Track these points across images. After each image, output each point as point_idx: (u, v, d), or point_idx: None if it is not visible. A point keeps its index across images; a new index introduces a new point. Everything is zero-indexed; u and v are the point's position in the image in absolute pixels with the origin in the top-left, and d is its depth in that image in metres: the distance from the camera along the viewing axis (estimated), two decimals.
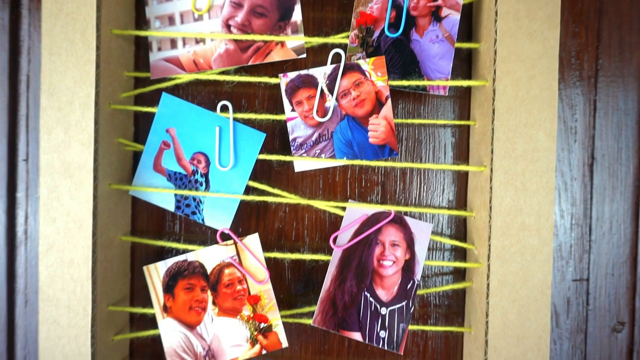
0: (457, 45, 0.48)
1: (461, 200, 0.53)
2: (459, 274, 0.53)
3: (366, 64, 0.47)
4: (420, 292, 0.52)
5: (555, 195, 0.52)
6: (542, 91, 0.44)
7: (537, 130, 0.44)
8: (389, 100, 0.47)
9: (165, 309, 0.48)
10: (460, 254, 0.53)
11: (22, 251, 0.54)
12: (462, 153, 0.53)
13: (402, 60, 0.48)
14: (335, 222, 0.53)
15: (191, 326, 0.48)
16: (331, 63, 0.48)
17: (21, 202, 0.54)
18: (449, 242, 0.50)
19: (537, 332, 0.45)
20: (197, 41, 0.50)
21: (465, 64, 0.52)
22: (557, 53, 0.44)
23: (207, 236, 0.54)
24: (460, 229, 0.53)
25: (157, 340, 0.51)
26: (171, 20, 0.50)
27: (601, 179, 0.52)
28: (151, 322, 0.51)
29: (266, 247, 0.53)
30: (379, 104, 0.48)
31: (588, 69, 0.51)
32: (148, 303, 0.49)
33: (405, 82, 0.47)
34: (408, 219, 0.48)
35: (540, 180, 0.44)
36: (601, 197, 0.52)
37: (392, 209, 0.48)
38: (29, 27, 0.53)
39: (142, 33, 0.49)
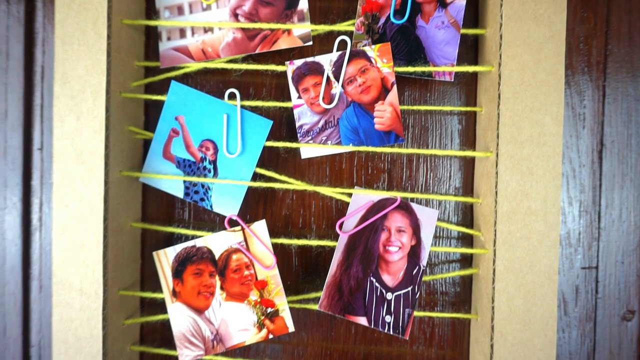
0: (463, 31, 0.48)
1: (468, 188, 0.53)
2: (467, 263, 0.53)
3: (372, 51, 0.48)
4: (427, 278, 0.52)
5: (564, 182, 0.51)
6: (548, 75, 0.44)
7: (543, 115, 0.44)
8: (395, 87, 0.48)
9: (175, 293, 0.49)
10: (468, 242, 0.53)
11: (36, 238, 0.55)
12: (468, 140, 0.53)
13: (408, 46, 0.48)
14: (341, 209, 0.53)
15: (199, 311, 0.49)
16: (337, 50, 0.48)
17: (36, 190, 0.55)
18: (455, 228, 0.50)
19: (544, 318, 0.44)
20: (206, 30, 0.51)
21: (471, 51, 0.52)
22: (564, 36, 0.43)
23: (215, 223, 0.54)
24: (467, 217, 0.53)
25: (166, 326, 0.52)
26: (180, 10, 0.51)
27: (610, 166, 0.51)
28: (161, 307, 0.52)
29: (273, 234, 0.53)
30: (384, 91, 0.48)
31: (597, 54, 0.51)
32: (158, 289, 0.50)
33: (410, 69, 0.48)
34: (414, 205, 0.48)
35: (546, 165, 0.44)
36: (610, 184, 0.51)
37: (398, 195, 0.48)
38: (43, 19, 0.55)
39: (152, 23, 0.50)
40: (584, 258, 0.52)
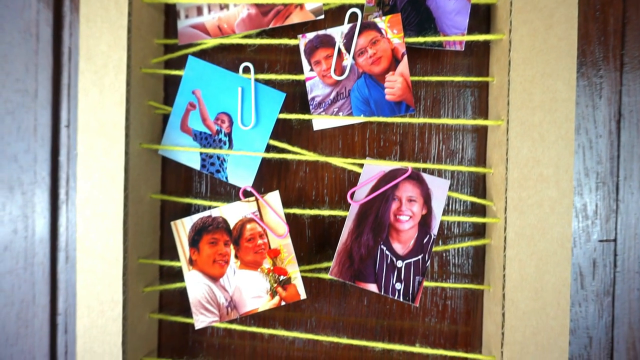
0: (473, 0, 0.48)
1: (481, 160, 0.53)
2: (480, 236, 0.53)
3: (382, 22, 0.48)
4: (438, 248, 0.52)
5: (580, 153, 0.51)
6: (560, 40, 0.43)
7: (555, 80, 0.43)
8: (405, 57, 0.48)
9: (191, 262, 0.50)
10: (481, 215, 0.53)
11: (63, 211, 0.58)
12: (481, 112, 0.52)
13: (418, 17, 0.49)
14: (354, 182, 0.54)
15: (215, 278, 0.50)
16: (348, 23, 0.49)
17: (63, 165, 0.58)
18: (467, 198, 0.50)
19: (557, 286, 0.44)
20: (221, 7, 0.52)
21: (484, 23, 0.52)
22: (576, 0, 0.43)
23: (231, 196, 0.56)
24: (479, 189, 0.53)
25: (184, 296, 0.53)
26: None
27: (629, 136, 0.50)
28: (178, 276, 0.54)
29: (287, 205, 0.54)
30: (395, 61, 0.48)
31: (614, 22, 0.50)
32: (176, 259, 0.52)
33: (421, 39, 0.48)
34: (425, 175, 0.49)
35: (558, 131, 0.44)
36: (629, 155, 0.50)
37: (410, 165, 0.49)
38: (70, 3, 0.58)
39: (171, 1, 0.52)
40: (602, 230, 0.51)
